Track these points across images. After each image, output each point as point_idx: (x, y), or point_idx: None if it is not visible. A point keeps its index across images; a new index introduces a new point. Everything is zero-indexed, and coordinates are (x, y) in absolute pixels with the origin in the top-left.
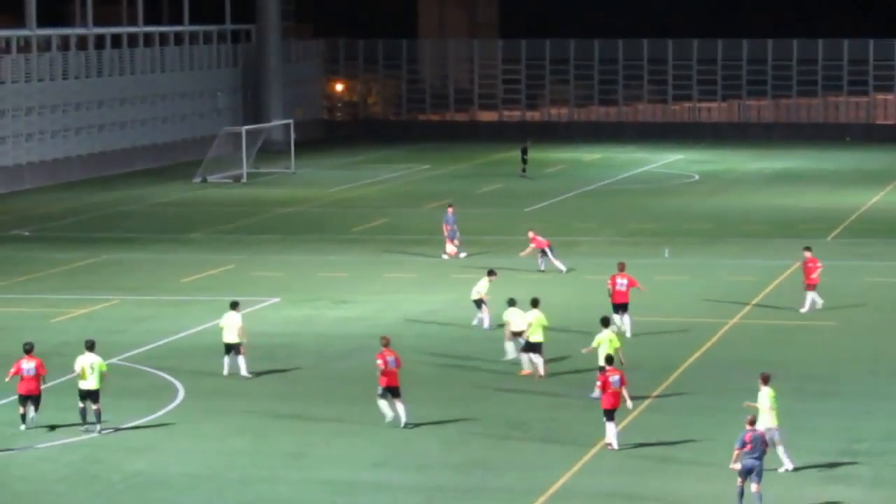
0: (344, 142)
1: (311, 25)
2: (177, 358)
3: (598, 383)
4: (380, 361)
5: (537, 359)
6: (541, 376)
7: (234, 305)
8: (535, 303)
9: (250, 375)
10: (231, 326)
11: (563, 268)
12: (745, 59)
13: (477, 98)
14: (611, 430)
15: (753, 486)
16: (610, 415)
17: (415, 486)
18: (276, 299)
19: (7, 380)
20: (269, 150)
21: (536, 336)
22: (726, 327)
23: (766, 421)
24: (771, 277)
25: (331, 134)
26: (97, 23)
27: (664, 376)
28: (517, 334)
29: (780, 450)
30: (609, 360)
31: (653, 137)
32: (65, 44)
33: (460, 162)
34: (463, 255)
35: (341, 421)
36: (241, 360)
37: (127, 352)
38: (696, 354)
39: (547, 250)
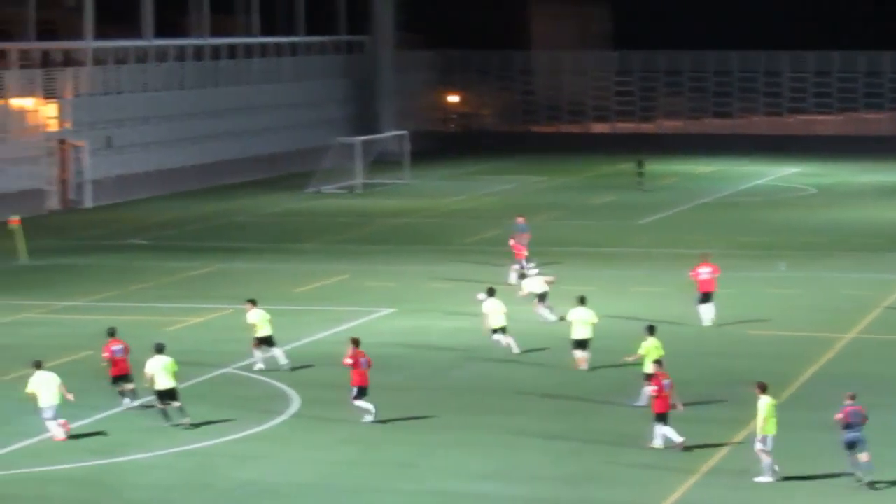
0: (457, 153)
1: (424, 36)
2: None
3: (654, 388)
4: (349, 361)
5: (582, 353)
6: (583, 368)
7: (253, 302)
8: (582, 300)
9: (290, 363)
10: (262, 321)
11: (513, 280)
12: (862, 71)
13: (590, 110)
14: (660, 432)
15: (863, 456)
16: (663, 418)
17: (524, 498)
18: (390, 310)
19: (103, 364)
20: (382, 161)
21: (584, 332)
22: (843, 342)
23: (763, 429)
24: (888, 292)
25: (444, 145)
26: (213, 33)
27: (779, 391)
28: (496, 330)
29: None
30: (659, 364)
31: (767, 150)
32: (181, 54)
33: (573, 174)
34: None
35: (452, 431)
36: (277, 351)
37: (241, 360)
38: (813, 369)
39: (523, 263)
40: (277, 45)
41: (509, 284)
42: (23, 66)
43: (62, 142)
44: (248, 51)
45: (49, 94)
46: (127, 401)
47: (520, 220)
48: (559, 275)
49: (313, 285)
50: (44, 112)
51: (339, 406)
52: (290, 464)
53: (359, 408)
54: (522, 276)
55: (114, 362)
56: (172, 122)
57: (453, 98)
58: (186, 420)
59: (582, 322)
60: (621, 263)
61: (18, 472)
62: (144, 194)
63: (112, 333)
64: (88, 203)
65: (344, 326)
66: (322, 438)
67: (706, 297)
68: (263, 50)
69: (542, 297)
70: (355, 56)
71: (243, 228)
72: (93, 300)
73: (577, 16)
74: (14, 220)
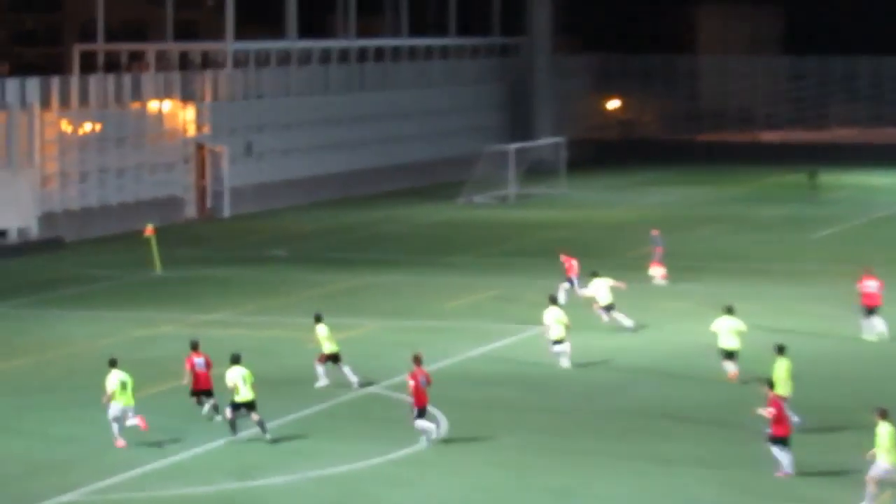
0: (616, 161)
1: (583, 39)
2: (441, 386)
3: (771, 410)
4: (411, 382)
5: (730, 365)
6: (731, 378)
7: (319, 318)
8: (729, 310)
9: (358, 380)
10: (329, 337)
11: (588, 294)
12: None
13: (760, 117)
14: (787, 459)
15: None
16: (780, 441)
17: None
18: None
19: (185, 381)
20: (537, 170)
21: (732, 342)
22: None
23: (885, 458)
24: None
25: (602, 153)
26: (360, 35)
27: None
28: (557, 342)
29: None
30: (771, 386)
31: None
32: (325, 57)
33: (741, 184)
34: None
35: (608, 456)
36: (345, 368)
37: (387, 379)
38: None
39: (574, 279)
40: (427, 47)
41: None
42: (160, 69)
43: (200, 147)
44: (396, 53)
45: (187, 98)
46: (206, 409)
47: (654, 232)
48: (725, 292)
49: (464, 300)
50: (181, 116)
51: (488, 427)
52: (438, 488)
53: (418, 428)
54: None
55: (195, 376)
56: (315, 128)
57: (613, 104)
58: (266, 437)
59: (729, 332)
60: (791, 280)
61: (152, 493)
62: (285, 203)
63: (195, 346)
64: (226, 212)
65: (496, 344)
66: (473, 461)
67: (871, 311)
68: (412, 53)
69: (609, 308)
70: (509, 59)
71: (390, 240)
72: (232, 314)
73: (747, 18)
74: (149, 230)
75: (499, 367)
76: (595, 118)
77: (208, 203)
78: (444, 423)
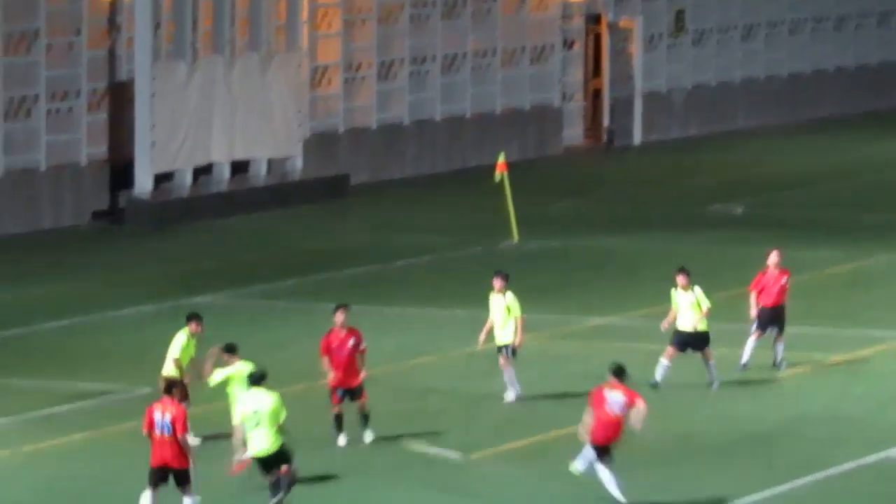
0: None
1: None
2: None
3: None
4: None
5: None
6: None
7: (231, 349)
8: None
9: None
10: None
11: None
12: None
13: None
14: None
15: None
16: None
17: None
18: None
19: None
20: None
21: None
22: None
23: None
24: None
25: None
26: None
27: None
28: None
29: None
30: None
31: None
32: None
33: None
34: None
35: None
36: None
37: None
38: None
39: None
40: None
41: None
42: None
43: (594, 21)
44: None
45: None
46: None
47: None
48: None
49: None
50: None
51: None
52: None
53: None
54: None
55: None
56: None
57: None
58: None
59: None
60: None
61: None
62: (743, 123)
63: (168, 388)
64: (636, 137)
65: None
66: None
67: None
68: None
69: None
70: None
71: None
72: (635, 316)
73: None
74: (500, 165)
75: None
76: None
77: (605, 120)
78: None
